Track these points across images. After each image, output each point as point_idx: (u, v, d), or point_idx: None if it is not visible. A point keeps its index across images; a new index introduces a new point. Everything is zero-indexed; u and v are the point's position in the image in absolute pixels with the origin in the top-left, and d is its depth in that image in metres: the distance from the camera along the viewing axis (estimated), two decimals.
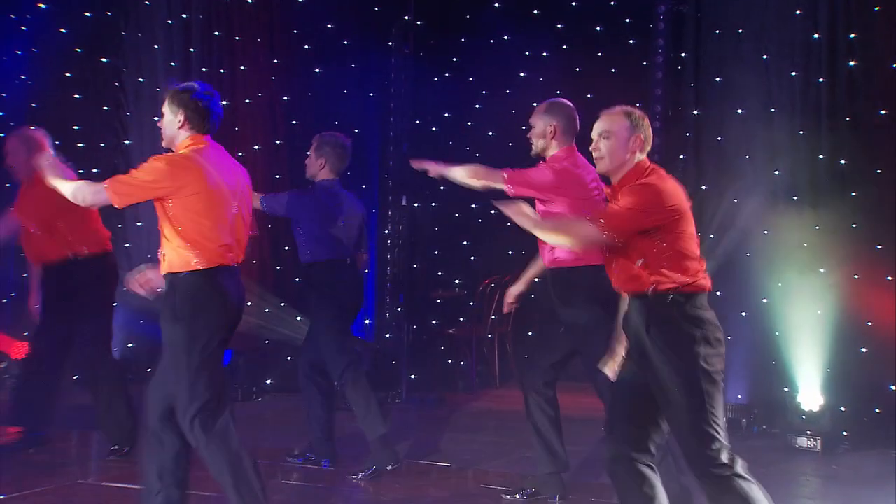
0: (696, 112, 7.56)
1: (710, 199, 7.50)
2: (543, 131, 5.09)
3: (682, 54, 7.58)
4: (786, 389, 6.83)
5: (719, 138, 7.47)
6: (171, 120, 4.34)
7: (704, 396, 3.54)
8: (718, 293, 7.28)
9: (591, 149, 3.81)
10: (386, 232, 9.07)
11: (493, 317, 9.01)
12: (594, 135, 3.80)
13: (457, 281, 9.27)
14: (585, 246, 3.83)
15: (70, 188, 4.39)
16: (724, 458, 3.56)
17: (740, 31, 7.34)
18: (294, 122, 9.01)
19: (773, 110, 7.26)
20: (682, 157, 7.53)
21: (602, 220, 3.60)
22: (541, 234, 3.91)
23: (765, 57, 7.26)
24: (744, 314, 7.20)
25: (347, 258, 5.91)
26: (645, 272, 3.62)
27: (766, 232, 7.26)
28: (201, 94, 4.31)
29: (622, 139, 3.69)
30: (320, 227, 5.81)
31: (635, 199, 3.61)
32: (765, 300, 7.21)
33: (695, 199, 7.56)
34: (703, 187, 7.51)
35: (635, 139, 3.70)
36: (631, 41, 8.40)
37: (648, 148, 3.76)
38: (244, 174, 4.45)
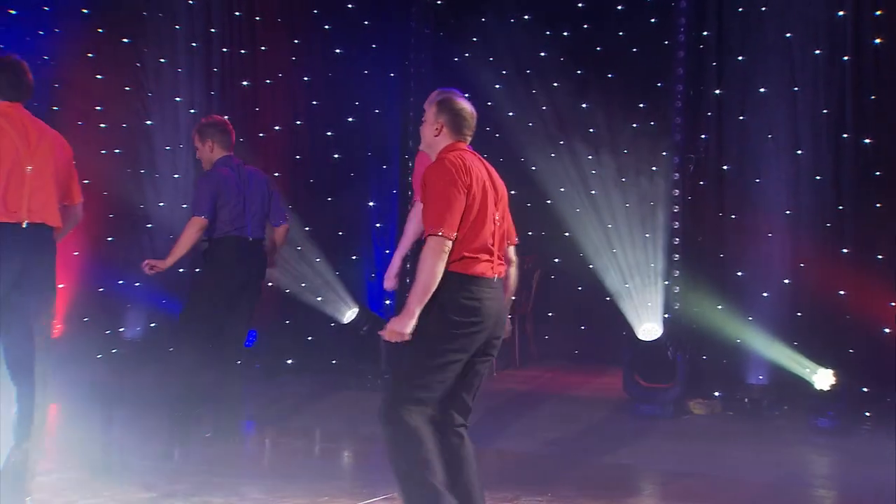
0: (717, 91, 7.49)
1: (733, 180, 7.45)
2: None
3: (705, 33, 7.50)
4: (807, 370, 6.80)
5: (742, 118, 7.41)
6: None
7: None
8: (740, 273, 7.27)
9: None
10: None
11: (512, 297, 8.99)
12: None
13: None
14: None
15: None
16: None
17: (763, 8, 7.26)
18: (314, 102, 9.00)
19: (795, 89, 7.19)
20: (703, 136, 7.47)
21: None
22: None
23: (788, 35, 7.19)
24: (765, 294, 7.16)
25: (249, 237, 5.89)
26: None
27: (787, 212, 7.21)
28: (2, 63, 4.44)
29: (429, 122, 3.91)
30: (217, 207, 5.79)
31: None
32: (787, 281, 7.17)
33: (716, 180, 7.54)
34: (725, 167, 7.46)
35: (437, 123, 3.87)
36: (652, 20, 8.33)
37: (455, 131, 3.86)
38: (54, 138, 4.50)
